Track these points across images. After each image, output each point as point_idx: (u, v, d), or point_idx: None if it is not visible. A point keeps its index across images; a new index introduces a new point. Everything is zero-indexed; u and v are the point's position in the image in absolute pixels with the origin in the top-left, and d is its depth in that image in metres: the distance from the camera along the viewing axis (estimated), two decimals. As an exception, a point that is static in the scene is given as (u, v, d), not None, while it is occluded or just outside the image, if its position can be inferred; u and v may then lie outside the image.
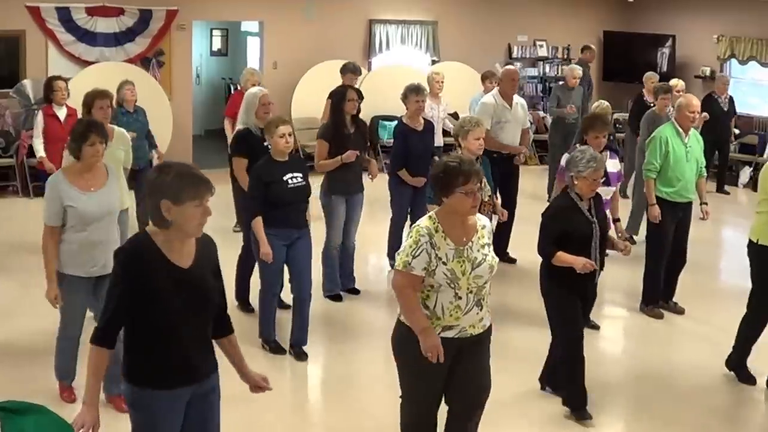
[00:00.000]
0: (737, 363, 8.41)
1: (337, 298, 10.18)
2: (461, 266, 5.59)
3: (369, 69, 18.81)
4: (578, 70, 16.13)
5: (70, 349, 7.30)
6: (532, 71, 20.96)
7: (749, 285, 8.26)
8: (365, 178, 10.32)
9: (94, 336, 4.60)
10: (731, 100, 17.35)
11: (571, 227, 7.08)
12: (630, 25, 21.63)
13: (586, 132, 9.24)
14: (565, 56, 21.33)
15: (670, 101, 13.12)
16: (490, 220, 7.99)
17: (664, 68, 20.67)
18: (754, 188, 16.64)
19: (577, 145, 9.13)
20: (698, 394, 8.18)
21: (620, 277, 11.12)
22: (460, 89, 18.03)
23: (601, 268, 7.42)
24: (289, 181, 8.16)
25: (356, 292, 10.47)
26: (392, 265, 10.36)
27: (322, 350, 9.07)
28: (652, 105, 13.93)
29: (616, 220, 9.64)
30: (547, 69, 21.21)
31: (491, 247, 5.83)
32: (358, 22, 19.00)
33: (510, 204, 11.34)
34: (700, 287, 11.14)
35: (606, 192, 8.94)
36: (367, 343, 9.11)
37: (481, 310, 5.72)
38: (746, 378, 8.35)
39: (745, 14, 19.38)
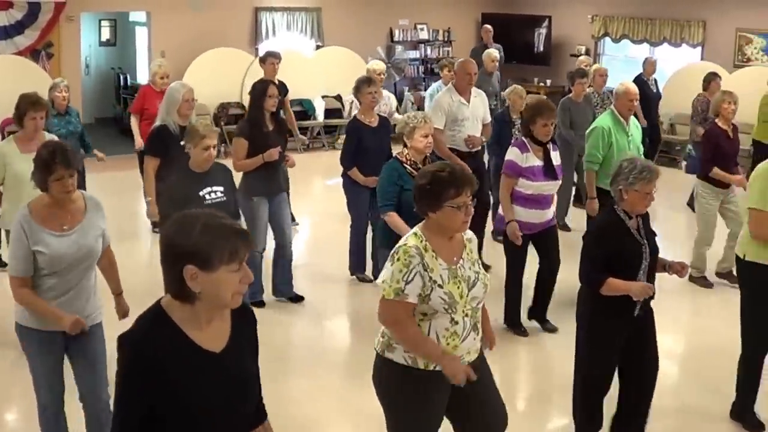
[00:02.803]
0: (742, 409, 7.20)
1: (260, 304, 9.29)
2: (458, 288, 4.90)
3: (256, 56, 18.96)
4: (495, 53, 15.40)
5: (56, 429, 5.95)
6: (414, 54, 21.51)
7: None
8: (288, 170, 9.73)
9: None
10: (656, 81, 17.12)
11: (618, 249, 6.08)
12: (507, 7, 22.25)
13: (533, 120, 8.46)
14: (446, 38, 21.99)
15: (586, 86, 12.85)
16: None
17: (541, 48, 21.56)
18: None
19: (524, 137, 8.63)
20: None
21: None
22: (343, 73, 18.75)
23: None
24: (207, 196, 7.26)
25: (299, 299, 9.65)
26: (359, 278, 10.25)
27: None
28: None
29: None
30: (429, 51, 21.80)
31: (480, 264, 5.20)
32: (245, 9, 19.32)
33: (482, 204, 9.91)
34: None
35: (554, 186, 8.66)
36: (307, 361, 8.35)
37: (477, 334, 5.06)
38: (755, 426, 7.12)
39: (617, -6, 20.22)
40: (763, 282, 6.82)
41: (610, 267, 6.01)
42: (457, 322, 4.89)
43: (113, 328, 5.05)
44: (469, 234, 5.15)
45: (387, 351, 5.03)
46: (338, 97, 19.48)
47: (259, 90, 9.29)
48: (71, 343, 5.76)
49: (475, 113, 10.56)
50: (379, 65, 12.88)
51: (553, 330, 8.94)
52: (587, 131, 9.78)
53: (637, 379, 6.41)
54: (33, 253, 5.48)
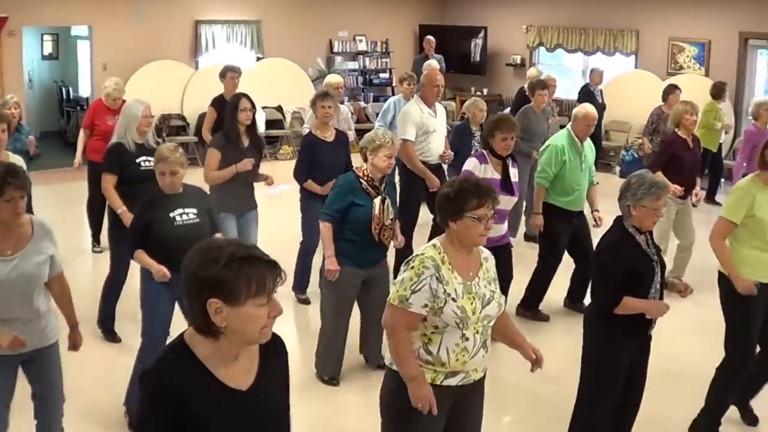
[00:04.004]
0: (707, 427, 6.97)
1: None
2: (472, 304, 4.85)
3: (196, 68, 19.44)
4: (435, 63, 14.92)
5: None
6: (353, 65, 21.80)
7: None
8: (261, 188, 9.57)
9: None
10: (601, 92, 17.09)
11: (634, 266, 5.89)
12: (444, 19, 22.72)
13: (491, 134, 8.35)
14: (384, 50, 22.29)
15: (546, 97, 12.67)
16: (387, 248, 7.77)
17: (477, 58, 21.96)
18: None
19: (484, 150, 8.56)
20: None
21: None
22: (283, 84, 19.05)
23: None
24: (178, 218, 6.89)
25: None
26: (299, 299, 10.04)
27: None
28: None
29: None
30: (367, 62, 22.11)
31: (497, 283, 5.14)
32: (185, 22, 19.45)
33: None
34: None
35: (510, 202, 8.43)
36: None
37: (486, 352, 5.00)
38: None
39: (551, 5, 20.75)
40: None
41: (626, 285, 5.83)
42: (467, 338, 4.85)
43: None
44: (486, 253, 5.14)
45: (391, 362, 5.02)
46: (279, 108, 19.77)
47: (232, 104, 9.22)
48: (28, 366, 5.65)
49: (442, 125, 10.49)
50: (336, 78, 12.54)
51: None
52: (541, 149, 9.72)
53: (626, 396, 6.22)
54: None
